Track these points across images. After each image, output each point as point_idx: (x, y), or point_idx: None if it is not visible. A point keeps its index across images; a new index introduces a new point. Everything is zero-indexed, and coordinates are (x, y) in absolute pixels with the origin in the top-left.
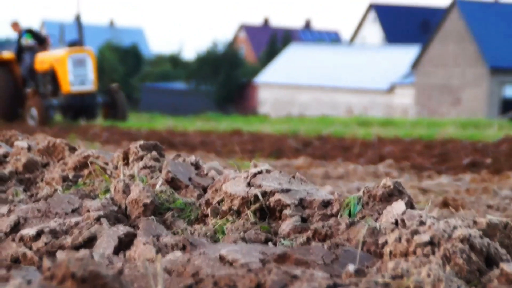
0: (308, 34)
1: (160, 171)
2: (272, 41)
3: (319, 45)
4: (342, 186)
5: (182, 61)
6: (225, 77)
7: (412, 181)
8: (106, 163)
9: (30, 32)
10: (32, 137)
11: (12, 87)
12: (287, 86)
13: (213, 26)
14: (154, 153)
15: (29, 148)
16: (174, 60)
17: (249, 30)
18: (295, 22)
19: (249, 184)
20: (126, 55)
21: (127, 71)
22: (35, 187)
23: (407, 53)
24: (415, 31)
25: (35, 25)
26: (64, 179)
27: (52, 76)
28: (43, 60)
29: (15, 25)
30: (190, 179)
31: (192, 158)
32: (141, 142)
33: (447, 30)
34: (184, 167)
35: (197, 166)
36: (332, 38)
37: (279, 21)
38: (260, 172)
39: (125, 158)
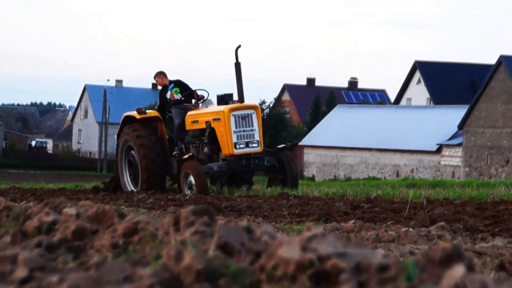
0: (353, 94)
1: (212, 236)
2: (316, 102)
3: (365, 106)
4: (394, 250)
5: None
6: (270, 140)
7: (465, 244)
8: (157, 229)
9: (179, 85)
10: (80, 204)
11: (159, 150)
12: (332, 148)
13: (258, 87)
14: (205, 218)
15: (78, 215)
16: None
17: (293, 90)
18: (339, 81)
19: (304, 248)
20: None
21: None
22: (85, 255)
23: (454, 113)
24: (461, 90)
25: (78, 91)
26: (114, 246)
27: (210, 136)
28: (196, 117)
29: (160, 76)
30: (242, 244)
31: (244, 222)
32: (192, 207)
33: (494, 89)
34: (236, 232)
35: (249, 230)
36: (377, 98)
37: (323, 80)
38: (315, 236)
39: (176, 223)
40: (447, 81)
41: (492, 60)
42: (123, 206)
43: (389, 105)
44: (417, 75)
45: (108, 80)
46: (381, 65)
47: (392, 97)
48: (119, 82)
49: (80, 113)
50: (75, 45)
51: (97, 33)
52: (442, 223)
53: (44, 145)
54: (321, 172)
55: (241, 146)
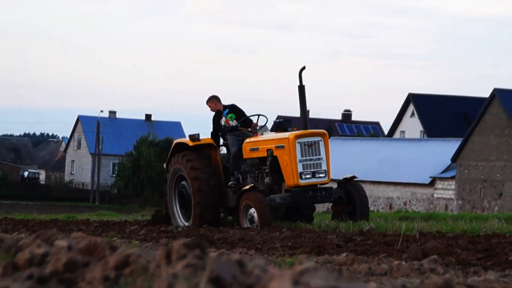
0: (347, 127)
1: (204, 270)
2: None
3: (358, 139)
4: (387, 283)
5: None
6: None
7: (458, 278)
8: (148, 261)
9: (234, 111)
10: (72, 236)
11: (214, 180)
12: None
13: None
14: (197, 251)
15: (70, 247)
16: None
17: None
18: (333, 114)
19: (295, 282)
20: (163, 150)
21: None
22: (76, 287)
23: (447, 146)
24: (455, 123)
25: (72, 122)
26: (106, 278)
27: (272, 166)
28: (256, 145)
29: (214, 101)
30: (234, 277)
31: (236, 255)
32: (184, 240)
33: (487, 122)
34: (228, 265)
35: (241, 264)
36: (371, 130)
37: (317, 113)
38: (306, 270)
39: (168, 256)
40: (440, 114)
41: (486, 93)
42: (115, 238)
43: (382, 138)
44: (411, 107)
45: (102, 111)
46: (375, 98)
47: (386, 129)
48: (112, 113)
49: (73, 144)
50: (68, 76)
51: (91, 64)
52: (435, 256)
53: (37, 176)
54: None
55: (307, 176)
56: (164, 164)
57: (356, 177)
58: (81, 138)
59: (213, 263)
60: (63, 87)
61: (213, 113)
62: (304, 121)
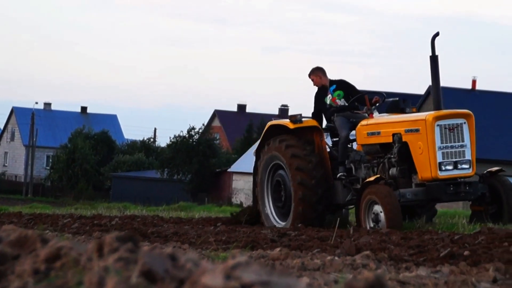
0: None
1: (136, 263)
2: (249, 129)
3: None
4: (319, 278)
5: (156, 149)
6: (198, 166)
7: (389, 273)
8: (80, 255)
9: (342, 87)
10: (2, 229)
11: (321, 171)
12: None
13: (188, 113)
14: (129, 244)
15: (0, 240)
16: (147, 148)
17: (224, 116)
18: (270, 108)
19: (228, 276)
20: (98, 143)
21: (100, 159)
22: (5, 280)
23: None
24: None
25: (5, 113)
26: (36, 271)
27: (400, 153)
28: (376, 128)
29: (318, 74)
30: (166, 271)
31: (169, 249)
32: (116, 233)
33: None
34: (160, 259)
35: (173, 257)
36: None
37: (254, 107)
38: (238, 264)
39: (100, 249)
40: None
41: (421, 90)
42: (47, 231)
43: None
44: None
45: (37, 102)
46: (312, 93)
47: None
48: (47, 105)
49: (7, 135)
50: (2, 67)
51: (26, 54)
52: (367, 252)
53: None
54: (250, 199)
55: (448, 167)
56: (253, 151)
57: (503, 171)
58: (14, 129)
59: (145, 256)
60: None
61: (316, 88)
62: (437, 98)
